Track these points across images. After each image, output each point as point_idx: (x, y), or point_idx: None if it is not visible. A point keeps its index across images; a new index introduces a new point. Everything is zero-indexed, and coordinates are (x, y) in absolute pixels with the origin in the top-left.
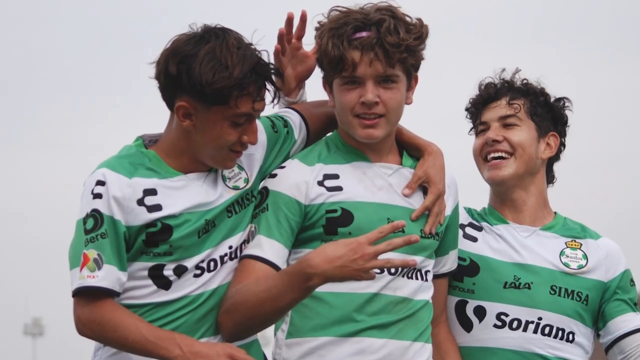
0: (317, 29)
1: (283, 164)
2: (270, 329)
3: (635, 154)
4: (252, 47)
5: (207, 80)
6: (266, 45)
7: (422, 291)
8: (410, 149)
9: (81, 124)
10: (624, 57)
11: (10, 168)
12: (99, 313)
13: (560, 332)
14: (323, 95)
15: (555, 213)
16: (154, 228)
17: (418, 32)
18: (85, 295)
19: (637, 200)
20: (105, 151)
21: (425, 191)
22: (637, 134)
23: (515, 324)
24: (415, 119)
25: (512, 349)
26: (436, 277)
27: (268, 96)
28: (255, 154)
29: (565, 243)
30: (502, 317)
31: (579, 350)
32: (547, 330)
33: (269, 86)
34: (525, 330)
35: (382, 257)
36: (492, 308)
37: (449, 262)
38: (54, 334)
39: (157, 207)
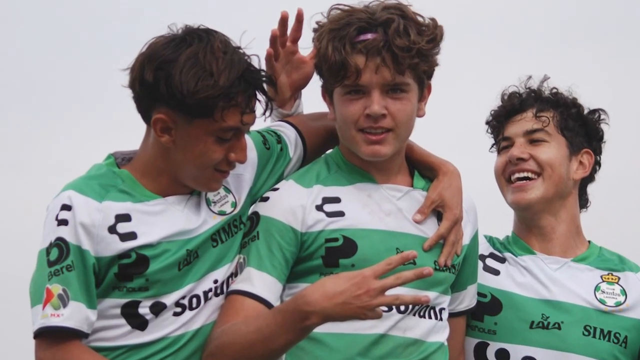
0: (315, 30)
1: (276, 186)
2: None
3: None
4: (241, 51)
5: (188, 89)
6: (257, 49)
7: (436, 332)
8: (422, 169)
9: (42, 140)
10: None
11: None
12: (65, 357)
13: None
14: (322, 107)
15: (589, 242)
16: (127, 259)
17: (431, 34)
18: (48, 337)
19: None
20: (71, 171)
21: (439, 217)
22: None
23: None
24: (428, 134)
25: None
26: (452, 315)
27: (259, 108)
28: (244, 174)
29: (601, 277)
30: None
31: None
32: None
33: (259, 96)
34: None
35: (390, 292)
36: (517, 351)
37: (467, 299)
38: None
39: (132, 235)
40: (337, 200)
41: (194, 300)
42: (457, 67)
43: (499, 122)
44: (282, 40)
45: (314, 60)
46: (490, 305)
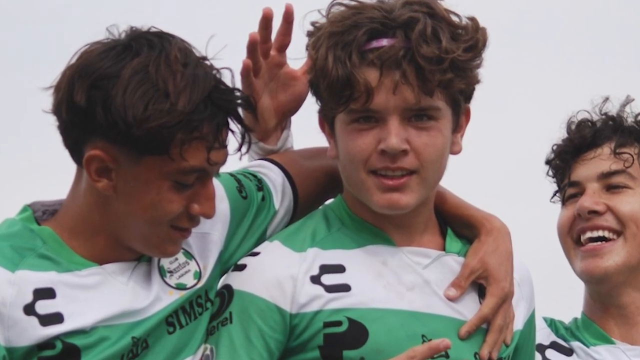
0: (310, 34)
1: (256, 249)
2: None
3: None
4: (207, 63)
5: (134, 115)
6: (229, 61)
7: None
8: (458, 226)
9: None
10: None
11: None
12: None
13: None
14: (320, 140)
15: None
16: (51, 351)
17: (471, 39)
18: None
19: None
20: None
21: (482, 292)
22: None
23: None
24: (466, 177)
25: None
26: None
27: (232, 141)
28: (212, 233)
29: None
30: None
31: None
32: None
33: (233, 125)
34: None
35: None
36: None
37: None
38: None
39: (56, 318)
40: (340, 269)
41: None
42: (506, 84)
43: (564, 161)
44: (264, 47)
45: (307, 76)
46: None
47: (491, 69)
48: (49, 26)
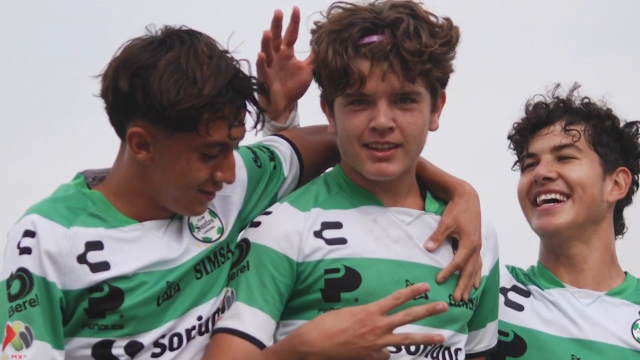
0: (313, 31)
1: (269, 209)
2: None
3: None
4: (228, 55)
5: (169, 98)
6: (247, 54)
7: None
8: (435, 190)
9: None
10: None
11: None
12: None
13: None
14: (321, 119)
15: (625, 273)
16: (99, 293)
17: (446, 36)
18: None
19: None
20: (33, 193)
21: (455, 244)
22: None
23: None
24: (442, 150)
25: None
26: (470, 357)
27: (249, 120)
28: (233, 195)
29: (639, 312)
30: None
31: None
32: None
33: (250, 107)
34: None
35: (398, 330)
36: None
37: (487, 338)
38: None
39: (104, 266)
40: (338, 225)
41: (175, 339)
42: (475, 73)
43: (522, 136)
44: (275, 43)
45: (311, 66)
46: (513, 345)
47: (463, 61)
48: (96, 25)
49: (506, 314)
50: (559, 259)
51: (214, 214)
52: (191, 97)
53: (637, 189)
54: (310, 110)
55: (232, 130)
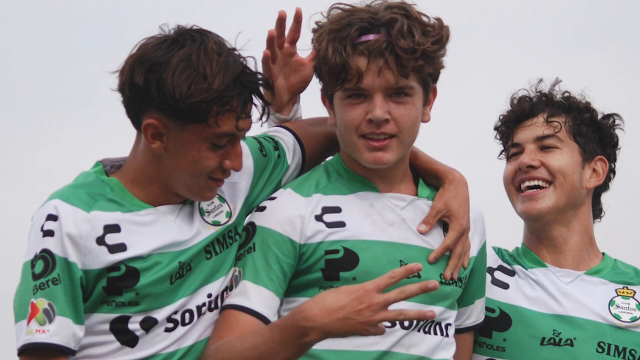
0: (314, 30)
1: (273, 195)
2: None
3: None
4: (236, 52)
5: (181, 92)
6: (253, 51)
7: (442, 349)
8: (427, 177)
9: (27, 146)
10: None
11: None
12: None
13: None
14: (322, 112)
15: (603, 254)
16: (116, 272)
17: (437, 35)
18: (33, 353)
19: None
20: (56, 179)
21: (445, 227)
22: None
23: None
24: (433, 140)
25: None
26: (459, 331)
27: (255, 112)
28: (240, 182)
29: (616, 290)
30: None
31: None
32: None
33: (256, 100)
34: None
35: (393, 307)
36: None
37: (475, 314)
38: None
39: (121, 247)
40: (337, 210)
41: (187, 315)
42: (464, 69)
43: (508, 127)
44: (279, 41)
45: (313, 63)
46: (499, 320)
47: (453, 57)
48: (115, 24)
49: (493, 292)
50: (541, 240)
51: (222, 199)
52: (201, 91)
53: (614, 176)
54: (311, 104)
55: (240, 122)
